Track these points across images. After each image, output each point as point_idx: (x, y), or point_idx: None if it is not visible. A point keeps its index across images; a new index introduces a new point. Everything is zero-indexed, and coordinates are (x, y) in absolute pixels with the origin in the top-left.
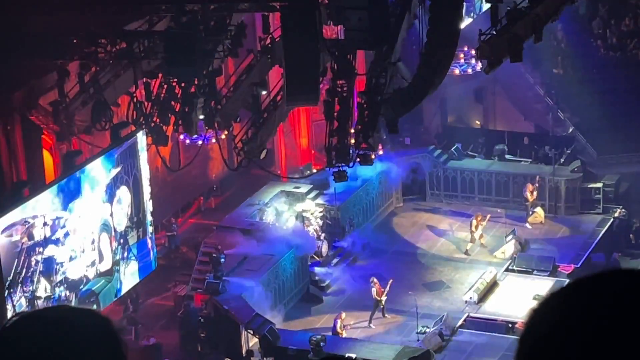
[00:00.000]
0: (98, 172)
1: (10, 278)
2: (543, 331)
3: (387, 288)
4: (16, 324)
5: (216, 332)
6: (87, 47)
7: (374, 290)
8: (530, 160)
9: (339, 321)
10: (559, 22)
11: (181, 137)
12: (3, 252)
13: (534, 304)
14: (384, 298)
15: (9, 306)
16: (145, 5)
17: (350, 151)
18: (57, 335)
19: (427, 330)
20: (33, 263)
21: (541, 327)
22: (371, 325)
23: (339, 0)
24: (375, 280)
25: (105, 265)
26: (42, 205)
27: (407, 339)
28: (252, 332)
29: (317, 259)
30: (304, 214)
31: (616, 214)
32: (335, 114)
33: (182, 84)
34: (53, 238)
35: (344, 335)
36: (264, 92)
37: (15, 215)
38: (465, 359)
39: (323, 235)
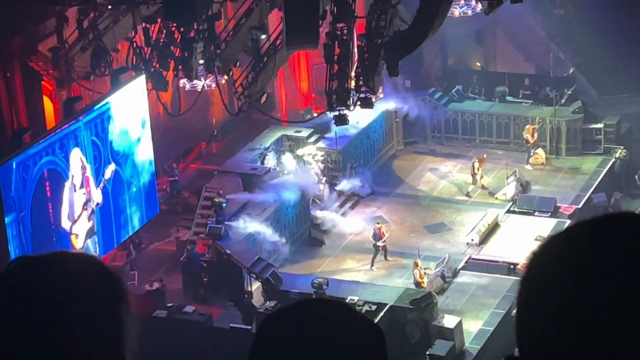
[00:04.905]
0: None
1: None
2: (544, 273)
3: (387, 235)
4: (16, 269)
5: (219, 277)
6: None
7: (372, 233)
8: (531, 101)
9: (417, 271)
10: None
11: (181, 82)
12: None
13: (535, 245)
14: (380, 243)
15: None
16: None
17: (351, 94)
18: (57, 280)
19: (429, 272)
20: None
21: (542, 269)
22: (373, 268)
23: None
24: (380, 223)
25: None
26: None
27: (409, 281)
28: (254, 276)
29: (319, 202)
30: (305, 157)
31: (617, 155)
32: (336, 57)
33: (182, 29)
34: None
35: (425, 284)
36: (263, 36)
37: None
38: (467, 301)
39: (324, 178)
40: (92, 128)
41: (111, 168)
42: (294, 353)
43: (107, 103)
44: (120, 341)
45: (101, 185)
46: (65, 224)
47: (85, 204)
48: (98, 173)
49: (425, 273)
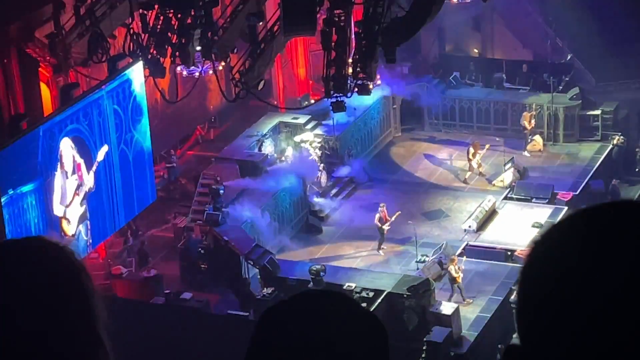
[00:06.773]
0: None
1: None
2: (545, 263)
3: (392, 218)
4: None
5: (216, 263)
6: None
7: (377, 216)
8: (528, 88)
9: (453, 267)
10: None
11: (178, 68)
12: None
13: (533, 232)
14: (386, 227)
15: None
16: None
17: (348, 81)
18: (7, 269)
19: (427, 259)
20: None
21: (544, 258)
22: (380, 252)
23: None
24: (384, 206)
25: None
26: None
27: (407, 267)
28: (252, 262)
29: (316, 189)
30: (302, 144)
31: (615, 141)
32: (333, 43)
33: (179, 15)
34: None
35: (460, 279)
36: (260, 23)
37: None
38: (465, 287)
39: (322, 165)
40: (114, 97)
41: (104, 150)
42: (296, 345)
43: (127, 73)
44: (92, 320)
45: (94, 168)
46: (58, 210)
47: (78, 188)
48: (120, 141)
49: (460, 268)
